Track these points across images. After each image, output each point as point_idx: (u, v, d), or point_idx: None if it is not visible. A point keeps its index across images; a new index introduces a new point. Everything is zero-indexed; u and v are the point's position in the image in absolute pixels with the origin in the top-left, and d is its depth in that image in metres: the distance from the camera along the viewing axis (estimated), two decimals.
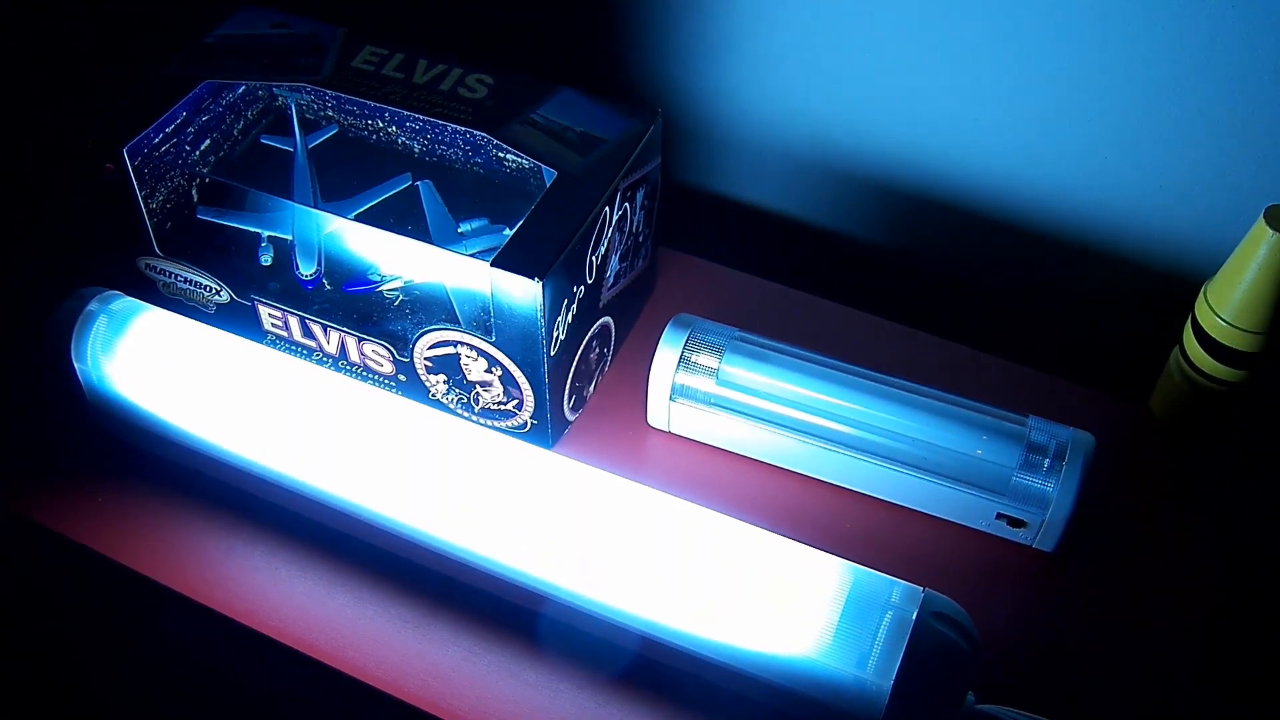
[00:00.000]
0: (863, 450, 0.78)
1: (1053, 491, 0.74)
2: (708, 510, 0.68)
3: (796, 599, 0.64)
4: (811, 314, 0.90)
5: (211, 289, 0.82)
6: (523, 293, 0.70)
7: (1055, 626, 0.74)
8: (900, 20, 0.85)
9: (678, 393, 0.80)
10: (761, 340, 0.80)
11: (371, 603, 0.73)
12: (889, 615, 0.63)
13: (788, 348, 0.80)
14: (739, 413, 0.79)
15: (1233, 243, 0.76)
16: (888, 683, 0.61)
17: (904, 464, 0.77)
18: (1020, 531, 0.76)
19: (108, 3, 0.85)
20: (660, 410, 0.81)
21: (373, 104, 0.82)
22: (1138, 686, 0.71)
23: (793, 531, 0.68)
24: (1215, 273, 0.77)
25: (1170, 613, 0.74)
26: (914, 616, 0.62)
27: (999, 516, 0.76)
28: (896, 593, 0.64)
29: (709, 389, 0.79)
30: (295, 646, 0.71)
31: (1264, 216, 0.73)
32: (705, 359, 0.79)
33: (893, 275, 1.00)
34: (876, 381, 0.78)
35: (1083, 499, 0.73)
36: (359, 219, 0.81)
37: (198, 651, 0.83)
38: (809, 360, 0.79)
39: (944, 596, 0.63)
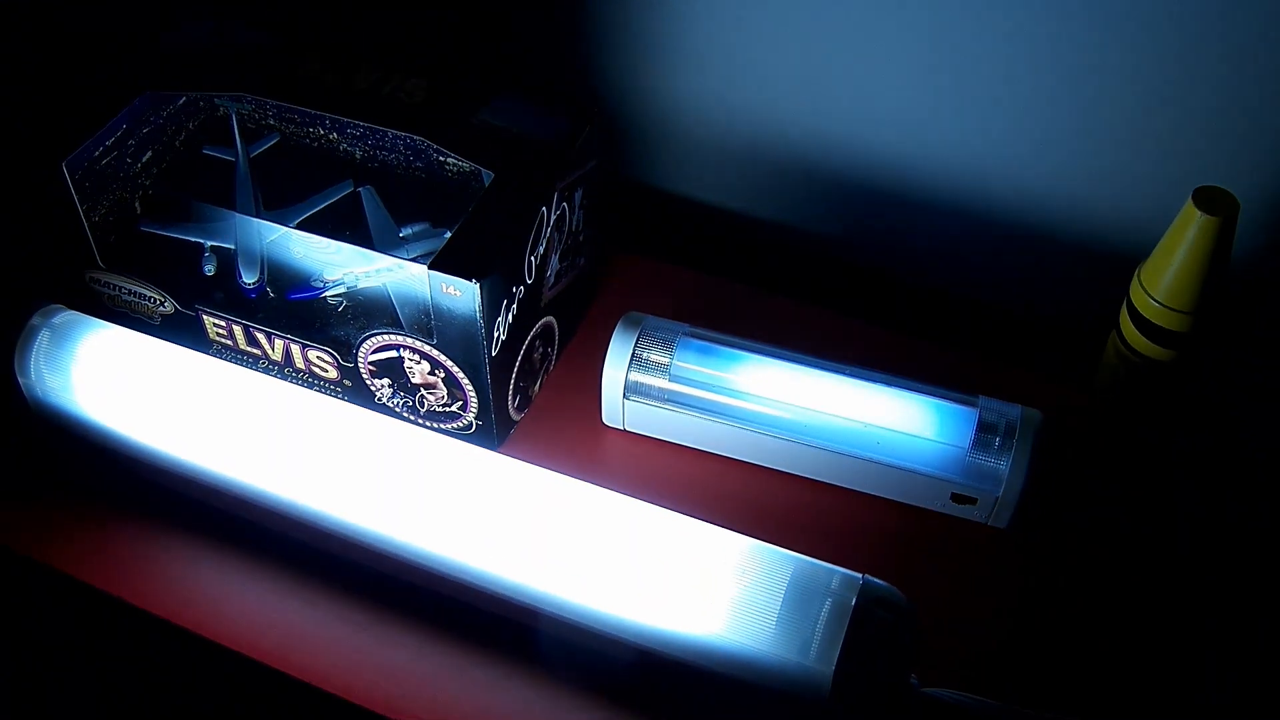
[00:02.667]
0: (818, 438, 0.78)
1: (1005, 468, 0.75)
2: (645, 504, 0.69)
3: (740, 590, 0.65)
4: (755, 308, 0.91)
5: (156, 300, 0.82)
6: (461, 294, 0.71)
7: (1012, 603, 0.75)
8: (836, 16, 0.85)
9: (631, 390, 0.81)
10: (712, 334, 0.81)
11: (323, 606, 0.74)
12: (828, 603, 0.63)
13: (739, 340, 0.81)
14: (694, 407, 0.80)
15: (1165, 225, 0.77)
16: (829, 669, 0.62)
17: (859, 449, 0.78)
18: (975, 510, 0.77)
19: (46, 17, 0.85)
20: (614, 408, 0.82)
21: (313, 111, 0.82)
22: (1089, 663, 0.72)
23: (751, 523, 0.69)
24: (1148, 255, 0.78)
25: (1121, 587, 0.76)
26: (853, 603, 0.63)
27: (954, 497, 0.77)
28: (836, 580, 0.64)
29: (663, 385, 0.80)
30: (244, 651, 0.71)
31: (1192, 198, 0.74)
32: (657, 355, 0.80)
33: (837, 267, 1.00)
34: (828, 370, 0.79)
35: (1034, 475, 0.74)
36: (301, 226, 0.81)
37: (145, 659, 0.83)
38: (761, 352, 0.80)
39: (882, 582, 0.64)
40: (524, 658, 0.71)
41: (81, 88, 0.82)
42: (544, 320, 0.82)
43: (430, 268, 0.71)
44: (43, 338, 0.77)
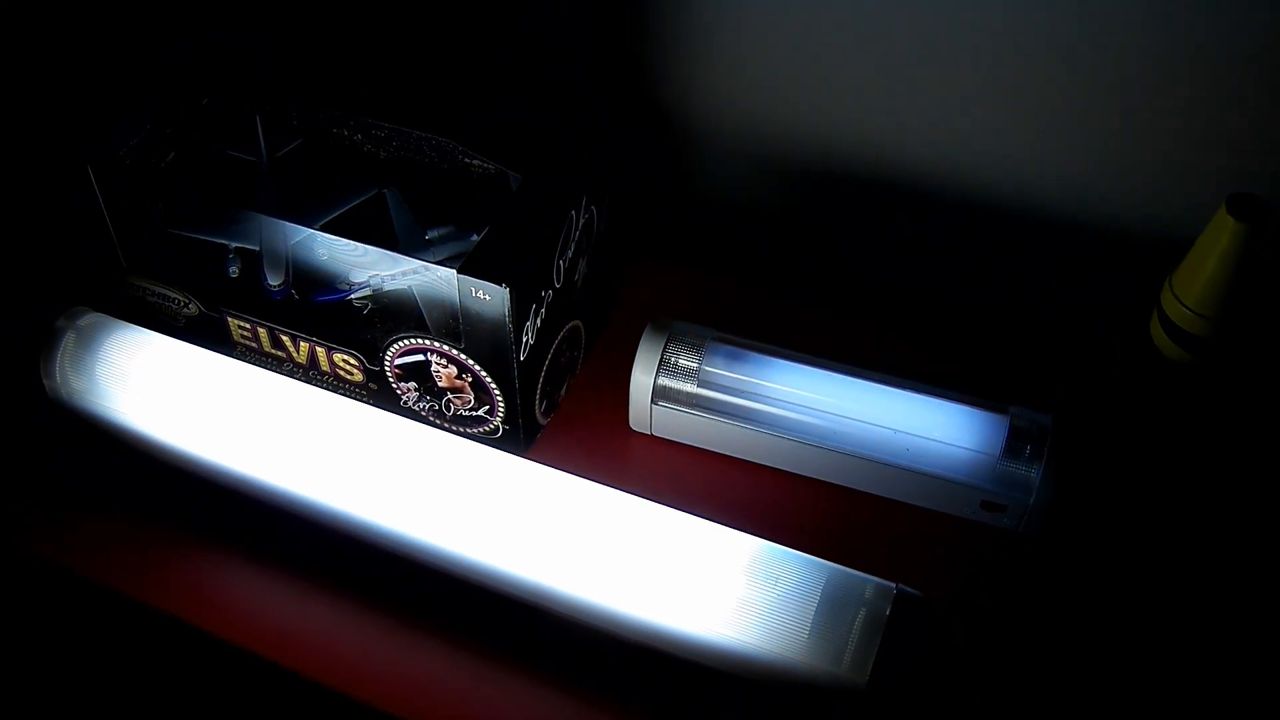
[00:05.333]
0: (848, 444, 0.78)
1: (1036, 476, 0.74)
2: (674, 510, 0.68)
3: (773, 597, 0.64)
4: (782, 314, 0.91)
5: (180, 302, 0.82)
6: (491, 298, 0.70)
7: (1042, 611, 0.75)
8: (862, 20, 0.85)
9: (660, 395, 0.80)
10: (739, 339, 0.81)
11: (346, 610, 0.73)
12: (862, 612, 0.63)
13: (767, 346, 0.80)
14: (722, 413, 0.80)
15: (1198, 232, 0.76)
16: (864, 678, 0.62)
17: (890, 456, 0.77)
18: (1005, 517, 0.77)
19: (66, 23, 0.85)
20: (642, 413, 0.81)
21: (337, 113, 0.82)
22: (1121, 670, 0.72)
23: (781, 529, 0.69)
24: (1181, 261, 0.78)
25: (1151, 596, 0.75)
26: (887, 613, 0.63)
27: (984, 504, 0.77)
28: (869, 589, 0.64)
29: (691, 390, 0.80)
30: (265, 654, 0.71)
31: (1225, 204, 0.73)
32: (686, 360, 0.79)
33: (867, 274, 1.00)
34: (858, 376, 0.79)
35: (1065, 483, 0.74)
36: (326, 228, 0.81)
37: (169, 662, 0.83)
38: (791, 358, 0.80)
39: (915, 591, 0.64)
40: (548, 663, 0.71)
41: (106, 90, 0.82)
42: (571, 324, 0.81)
43: (460, 271, 0.70)
44: (68, 340, 0.77)
